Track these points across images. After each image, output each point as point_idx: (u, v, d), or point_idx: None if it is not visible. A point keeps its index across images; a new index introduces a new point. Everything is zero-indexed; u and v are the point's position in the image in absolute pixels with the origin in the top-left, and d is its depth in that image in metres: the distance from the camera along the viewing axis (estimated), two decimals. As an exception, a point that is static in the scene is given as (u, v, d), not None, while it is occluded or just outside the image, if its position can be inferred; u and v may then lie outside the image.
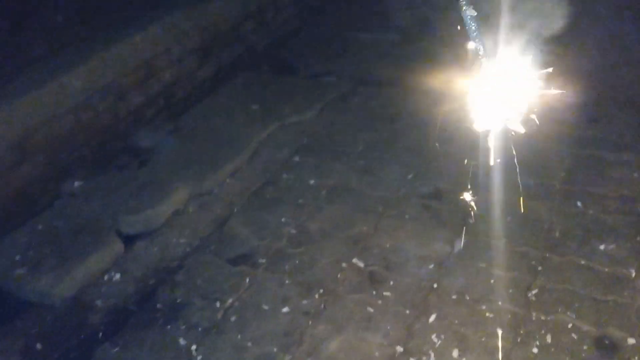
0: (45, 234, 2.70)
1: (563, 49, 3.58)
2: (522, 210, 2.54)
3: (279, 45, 4.43)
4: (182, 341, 2.15)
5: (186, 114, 3.58)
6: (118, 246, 2.61)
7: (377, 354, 2.02)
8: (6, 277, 2.46)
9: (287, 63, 4.18)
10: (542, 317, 2.07)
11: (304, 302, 2.25)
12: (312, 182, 2.95)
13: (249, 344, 2.11)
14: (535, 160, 2.82)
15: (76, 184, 3.01)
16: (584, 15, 3.84)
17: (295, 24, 4.65)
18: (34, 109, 2.82)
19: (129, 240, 2.67)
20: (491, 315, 2.10)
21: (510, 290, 2.19)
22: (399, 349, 2.02)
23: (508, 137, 3.12)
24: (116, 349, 2.16)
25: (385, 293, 2.25)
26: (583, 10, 3.79)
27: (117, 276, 2.50)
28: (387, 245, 2.49)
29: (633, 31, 3.82)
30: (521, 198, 2.62)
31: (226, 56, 3.99)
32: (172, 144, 3.30)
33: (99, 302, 2.39)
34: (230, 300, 2.29)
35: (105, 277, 2.50)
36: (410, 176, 2.89)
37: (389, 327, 2.11)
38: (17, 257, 2.55)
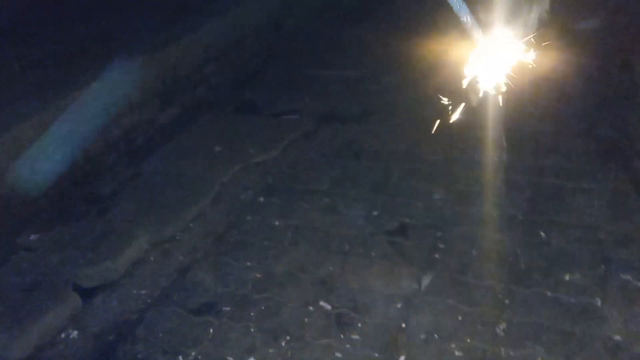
0: (0, 291, 2.57)
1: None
2: (486, 243, 2.55)
3: (242, 85, 4.44)
4: (143, 400, 2.05)
5: (148, 159, 3.52)
6: (75, 301, 2.50)
7: (346, 402, 1.95)
8: (-45, 341, 2.33)
9: (251, 102, 4.18)
10: (512, 353, 2.04)
11: (270, 350, 2.18)
12: (277, 223, 2.90)
13: (214, 399, 2.02)
14: (496, 191, 2.84)
15: (32, 237, 2.90)
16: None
17: (258, 64, 4.68)
18: (-15, 162, 2.74)
19: (87, 294, 2.56)
20: (461, 354, 2.06)
21: (479, 327, 2.16)
22: (369, 395, 1.96)
23: (468, 168, 3.17)
24: (73, 414, 2.05)
25: (353, 336, 2.20)
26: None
27: (75, 333, 2.38)
28: (354, 286, 2.44)
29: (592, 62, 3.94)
30: (484, 230, 2.64)
31: (188, 99, 3.98)
32: (133, 190, 3.23)
33: (55, 363, 2.27)
34: (193, 354, 2.20)
35: (62, 335, 2.39)
36: (375, 213, 2.87)
37: (358, 373, 2.05)
38: (-32, 319, 2.42)
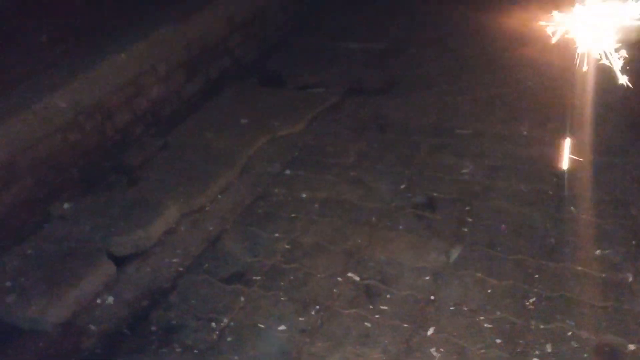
0: (36, 258, 2.64)
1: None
2: (516, 218, 2.54)
3: (266, 57, 4.42)
4: (177, 364, 2.11)
5: (175, 130, 3.55)
6: (110, 268, 2.56)
7: (376, 370, 1.99)
8: (-4, 304, 2.41)
9: (276, 75, 4.16)
10: (541, 326, 2.05)
11: (301, 319, 2.22)
12: (304, 195, 2.92)
13: (246, 364, 2.07)
14: (526, 166, 2.81)
15: (65, 205, 2.96)
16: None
17: (283, 36, 4.65)
18: (19, 132, 2.78)
19: (120, 261, 2.62)
20: (490, 326, 2.08)
21: (508, 300, 2.17)
22: (399, 364, 2.00)
23: (497, 142, 3.14)
24: (111, 375, 2.12)
25: (382, 307, 2.23)
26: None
27: (110, 299, 2.45)
28: (382, 258, 2.46)
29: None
30: (514, 205, 2.63)
31: (214, 70, 3.97)
32: (162, 161, 3.26)
33: (92, 327, 2.34)
34: (225, 320, 2.25)
35: (98, 301, 2.45)
36: (402, 186, 2.87)
37: (387, 342, 2.08)
38: (8, 283, 2.49)
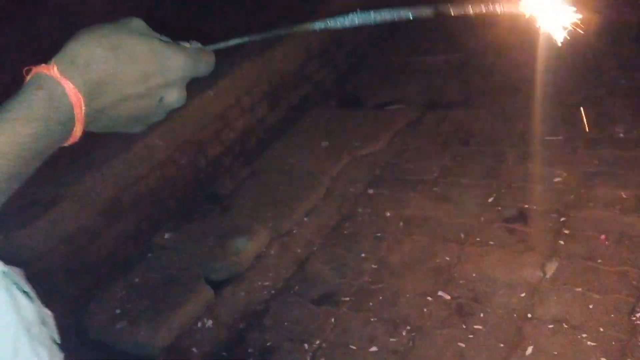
0: (141, 286, 2.86)
1: None
2: (616, 226, 2.38)
3: (344, 79, 4.50)
4: (274, 386, 2.19)
5: (261, 157, 3.70)
6: (208, 293, 2.71)
7: (472, 391, 1.94)
8: (108, 331, 2.63)
9: (354, 96, 4.23)
10: (653, 343, 1.90)
11: (392, 340, 2.22)
12: (388, 214, 2.92)
13: (340, 386, 2.10)
14: (624, 171, 2.63)
15: (166, 235, 3.18)
16: None
17: (359, 57, 4.71)
18: (123, 171, 3.04)
19: (217, 286, 2.77)
20: (593, 344, 1.96)
21: (612, 315, 2.03)
22: (496, 385, 1.93)
23: (591, 146, 2.96)
24: (213, 396, 2.23)
25: (475, 326, 2.17)
26: None
27: (210, 322, 2.59)
28: (473, 275, 2.40)
29: None
30: (613, 213, 2.46)
31: (294, 97, 4.11)
32: (250, 188, 3.41)
33: (194, 349, 2.49)
34: (317, 342, 2.30)
35: (199, 324, 2.60)
36: (490, 199, 2.79)
37: (483, 362, 2.02)
38: (117, 311, 2.71)
